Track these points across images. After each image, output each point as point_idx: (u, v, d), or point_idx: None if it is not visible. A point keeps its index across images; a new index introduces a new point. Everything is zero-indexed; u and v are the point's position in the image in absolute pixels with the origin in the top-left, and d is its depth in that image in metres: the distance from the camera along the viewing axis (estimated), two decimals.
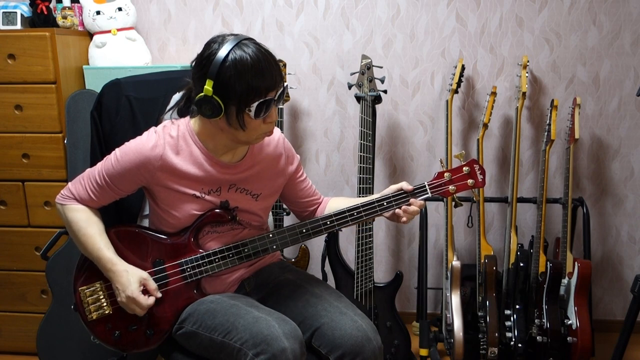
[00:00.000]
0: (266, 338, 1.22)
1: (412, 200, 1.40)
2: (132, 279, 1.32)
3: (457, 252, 2.48)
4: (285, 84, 1.32)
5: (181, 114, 1.43)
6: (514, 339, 2.06)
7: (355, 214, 1.40)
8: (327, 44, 2.35)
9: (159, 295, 1.36)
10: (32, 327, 2.23)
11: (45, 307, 2.18)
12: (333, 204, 1.57)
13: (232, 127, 1.27)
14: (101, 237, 1.36)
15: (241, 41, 1.23)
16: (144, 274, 1.35)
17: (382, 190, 1.44)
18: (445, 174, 1.44)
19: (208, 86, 1.22)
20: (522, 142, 2.38)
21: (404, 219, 1.39)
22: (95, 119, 1.57)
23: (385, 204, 1.40)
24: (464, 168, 1.44)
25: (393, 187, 1.42)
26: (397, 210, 1.40)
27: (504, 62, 2.31)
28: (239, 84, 1.21)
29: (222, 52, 1.20)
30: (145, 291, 1.34)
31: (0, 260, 2.18)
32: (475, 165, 1.44)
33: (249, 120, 1.26)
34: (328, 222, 1.40)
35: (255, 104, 1.23)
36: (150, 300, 1.34)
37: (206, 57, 1.23)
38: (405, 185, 1.41)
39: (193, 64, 1.28)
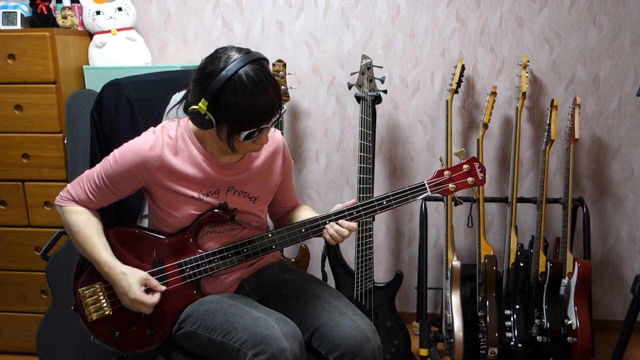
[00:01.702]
0: (265, 338, 1.22)
1: (341, 221, 1.38)
2: (132, 281, 1.32)
3: (457, 252, 2.48)
4: (284, 110, 1.30)
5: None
6: (514, 339, 2.06)
7: (354, 213, 1.40)
8: (327, 44, 2.35)
9: (163, 288, 1.36)
10: (32, 327, 2.23)
11: (45, 307, 2.19)
12: (299, 213, 1.57)
13: (222, 141, 1.28)
14: (99, 239, 1.36)
15: (245, 65, 1.19)
16: (143, 274, 1.35)
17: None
18: (445, 172, 1.43)
19: (202, 105, 1.21)
20: (522, 142, 2.37)
21: (334, 240, 1.38)
22: (95, 119, 1.57)
23: (385, 202, 1.40)
24: (464, 166, 1.43)
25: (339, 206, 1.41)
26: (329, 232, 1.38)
27: (504, 62, 2.31)
28: (233, 112, 1.20)
29: (223, 75, 1.18)
30: (149, 289, 1.35)
31: (0, 260, 2.18)
32: (475, 163, 1.43)
33: (237, 141, 1.27)
34: (327, 222, 1.40)
35: (246, 132, 1.24)
36: (156, 297, 1.34)
37: (207, 73, 1.21)
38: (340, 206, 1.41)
39: (195, 71, 1.26)
